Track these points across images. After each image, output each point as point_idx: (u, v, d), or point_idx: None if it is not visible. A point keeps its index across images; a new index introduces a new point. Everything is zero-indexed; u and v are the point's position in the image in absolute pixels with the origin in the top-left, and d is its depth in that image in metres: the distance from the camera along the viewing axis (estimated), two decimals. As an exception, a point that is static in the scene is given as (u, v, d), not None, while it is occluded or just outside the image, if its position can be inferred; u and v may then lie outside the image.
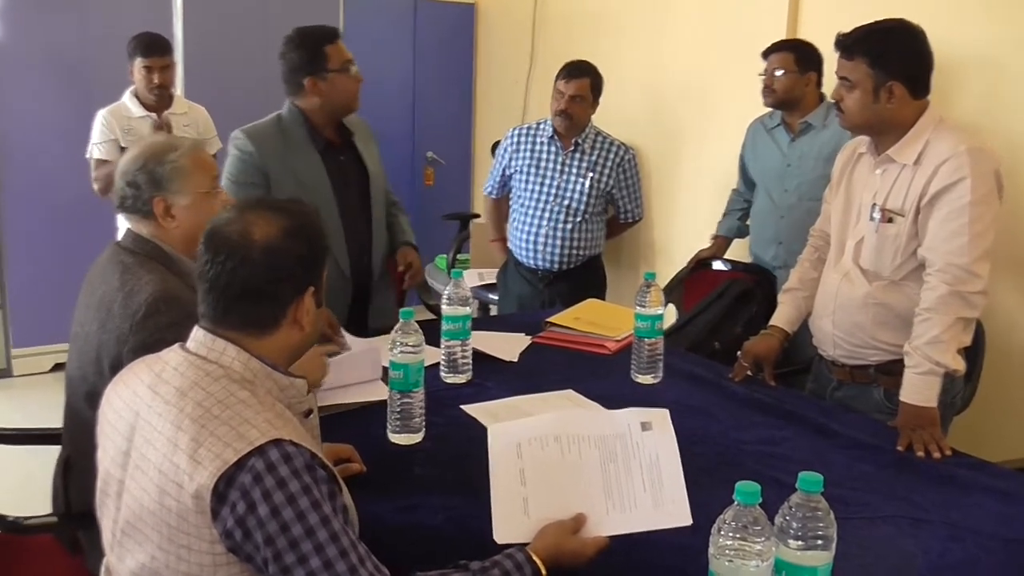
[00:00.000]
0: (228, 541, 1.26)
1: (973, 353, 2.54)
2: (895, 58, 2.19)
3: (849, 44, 2.22)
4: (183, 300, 1.86)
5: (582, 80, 3.74)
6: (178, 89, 4.76)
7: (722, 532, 1.19)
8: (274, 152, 2.73)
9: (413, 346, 1.98)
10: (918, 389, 2.11)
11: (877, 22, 2.24)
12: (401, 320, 2.00)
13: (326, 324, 2.59)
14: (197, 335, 1.43)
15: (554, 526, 1.50)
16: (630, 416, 1.64)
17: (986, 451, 2.11)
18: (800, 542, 1.22)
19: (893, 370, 2.25)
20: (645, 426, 1.61)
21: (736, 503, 1.18)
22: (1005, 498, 1.83)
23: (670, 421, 1.63)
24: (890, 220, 2.24)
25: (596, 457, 1.59)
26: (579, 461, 1.59)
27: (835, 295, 2.37)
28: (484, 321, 3.60)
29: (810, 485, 1.23)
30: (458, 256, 5.06)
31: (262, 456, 1.25)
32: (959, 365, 2.15)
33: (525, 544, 1.46)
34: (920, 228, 2.19)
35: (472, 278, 4.65)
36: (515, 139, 3.95)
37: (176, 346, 1.45)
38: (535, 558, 1.42)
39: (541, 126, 3.90)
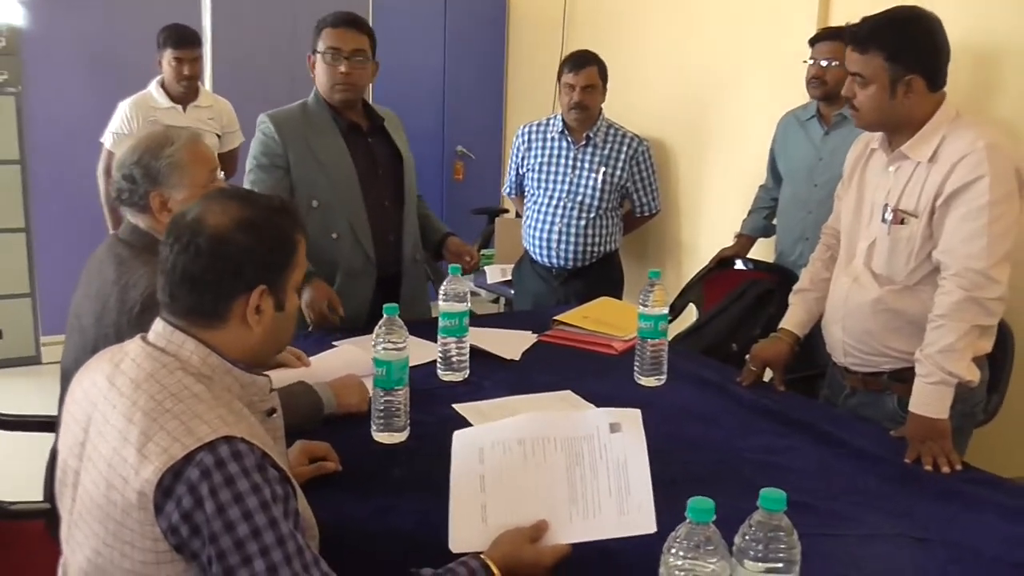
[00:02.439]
0: (174, 538, 1.21)
1: (1000, 361, 2.41)
2: (914, 50, 2.06)
3: (862, 37, 2.09)
4: None
5: (590, 69, 3.65)
6: (206, 82, 4.78)
7: (672, 551, 1.10)
8: (294, 134, 2.74)
9: (396, 343, 1.92)
10: (928, 400, 1.99)
11: (890, 11, 2.11)
12: (385, 316, 1.94)
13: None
14: (157, 327, 1.39)
15: (510, 534, 1.44)
16: (599, 417, 1.54)
17: (1012, 466, 1.99)
18: (760, 563, 1.12)
19: (907, 377, 2.11)
20: (614, 427, 1.51)
21: (688, 521, 1.10)
22: (1016, 517, 1.71)
23: (641, 422, 1.52)
24: (903, 222, 2.11)
25: (561, 460, 1.51)
26: (543, 464, 1.51)
27: (844, 300, 2.25)
28: (493, 318, 3.53)
29: (771, 503, 1.13)
30: (483, 251, 4.99)
31: (212, 452, 1.20)
32: (973, 375, 2.02)
33: (481, 552, 1.40)
34: (935, 230, 2.07)
35: (495, 274, 4.61)
36: (525, 137, 3.87)
37: (137, 337, 1.42)
38: (490, 564, 1.36)
39: (551, 122, 3.81)
